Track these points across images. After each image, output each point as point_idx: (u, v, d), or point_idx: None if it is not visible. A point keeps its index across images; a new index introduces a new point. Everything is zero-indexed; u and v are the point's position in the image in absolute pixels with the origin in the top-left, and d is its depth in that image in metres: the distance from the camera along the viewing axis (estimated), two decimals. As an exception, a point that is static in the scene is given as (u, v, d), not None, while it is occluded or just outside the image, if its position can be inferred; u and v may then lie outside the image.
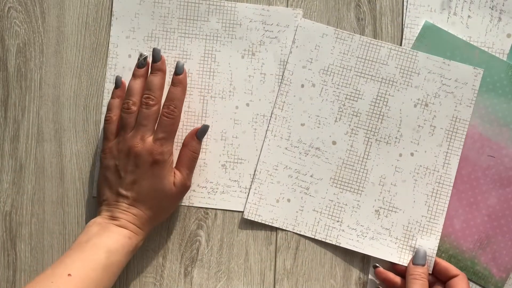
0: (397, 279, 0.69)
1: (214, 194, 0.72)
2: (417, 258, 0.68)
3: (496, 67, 0.70)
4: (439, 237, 0.70)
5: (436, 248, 0.70)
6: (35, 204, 0.73)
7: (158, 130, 0.66)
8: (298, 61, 0.72)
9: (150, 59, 0.69)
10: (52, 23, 0.73)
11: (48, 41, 0.73)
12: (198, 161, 0.71)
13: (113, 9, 0.72)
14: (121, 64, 0.72)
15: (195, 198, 0.72)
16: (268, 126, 0.72)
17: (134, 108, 0.67)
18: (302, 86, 0.72)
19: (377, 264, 0.70)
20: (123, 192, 0.66)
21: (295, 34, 0.72)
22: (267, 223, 0.71)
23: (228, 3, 0.72)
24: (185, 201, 0.72)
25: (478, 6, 0.71)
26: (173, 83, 0.68)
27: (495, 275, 0.70)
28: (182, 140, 0.70)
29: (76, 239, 0.64)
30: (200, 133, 0.69)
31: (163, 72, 0.69)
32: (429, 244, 0.70)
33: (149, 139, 0.66)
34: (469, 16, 0.71)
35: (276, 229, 0.72)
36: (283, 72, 0.72)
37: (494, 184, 0.70)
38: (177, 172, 0.68)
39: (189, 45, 0.72)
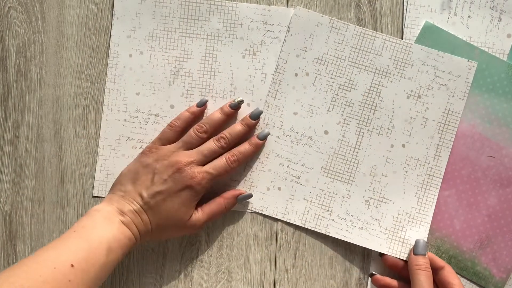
0: (394, 282, 0.69)
1: (215, 194, 0.72)
2: (418, 248, 0.68)
3: (496, 67, 0.70)
4: (428, 229, 0.70)
5: (426, 239, 0.70)
6: (35, 204, 0.72)
7: (212, 165, 0.67)
8: (292, 50, 0.72)
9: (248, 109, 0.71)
10: (52, 23, 0.73)
11: (48, 41, 0.73)
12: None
13: (114, 8, 0.72)
14: (122, 63, 0.72)
15: (195, 198, 0.72)
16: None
17: (205, 136, 0.68)
18: (296, 75, 0.72)
19: (374, 272, 0.70)
20: (145, 195, 0.65)
21: (289, 22, 0.72)
22: (256, 210, 0.71)
23: (229, 3, 0.72)
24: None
25: (478, 7, 0.71)
26: (251, 143, 0.70)
27: (496, 276, 0.70)
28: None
29: (80, 220, 0.63)
30: (242, 198, 0.70)
31: (250, 129, 0.70)
32: (419, 235, 0.70)
33: (199, 167, 0.66)
34: (469, 17, 0.71)
35: (276, 229, 0.72)
36: (277, 60, 0.72)
37: (494, 184, 0.70)
38: (200, 212, 0.68)
39: (190, 44, 0.72)
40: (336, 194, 0.71)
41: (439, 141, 0.70)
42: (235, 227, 0.72)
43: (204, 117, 0.72)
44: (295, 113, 0.72)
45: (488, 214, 0.70)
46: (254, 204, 0.72)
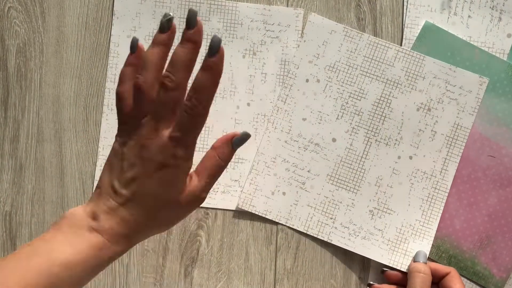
0: None
1: (215, 194, 0.72)
2: (418, 257, 0.68)
3: (496, 67, 0.70)
4: (431, 242, 0.70)
5: (428, 253, 0.70)
6: (35, 204, 0.72)
7: (175, 126, 0.52)
8: (304, 56, 0.72)
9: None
10: (52, 23, 0.73)
11: (48, 41, 0.73)
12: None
13: (114, 8, 0.72)
14: (122, 63, 0.72)
15: (195, 198, 0.72)
16: (269, 118, 0.72)
17: (145, 86, 0.52)
18: (307, 81, 0.72)
19: (371, 282, 0.70)
20: (117, 187, 0.53)
21: (303, 28, 0.72)
22: (260, 214, 0.71)
23: (229, 3, 0.72)
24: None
25: (478, 6, 0.71)
26: (202, 68, 0.51)
27: (496, 275, 0.70)
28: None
29: (44, 234, 0.53)
30: (237, 141, 0.56)
31: (196, 45, 0.51)
32: (421, 248, 0.70)
33: (165, 132, 0.52)
34: (469, 16, 0.71)
35: (276, 229, 0.72)
36: (289, 65, 0.72)
37: (494, 184, 0.70)
38: (195, 178, 0.56)
39: (190, 44, 0.72)
40: (341, 202, 0.71)
41: (447, 155, 0.70)
42: (235, 227, 0.72)
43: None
44: (304, 119, 0.72)
45: (488, 214, 0.70)
46: (258, 207, 0.71)
